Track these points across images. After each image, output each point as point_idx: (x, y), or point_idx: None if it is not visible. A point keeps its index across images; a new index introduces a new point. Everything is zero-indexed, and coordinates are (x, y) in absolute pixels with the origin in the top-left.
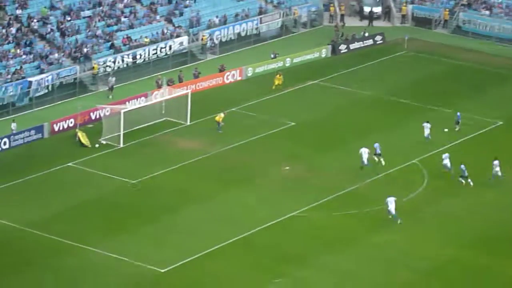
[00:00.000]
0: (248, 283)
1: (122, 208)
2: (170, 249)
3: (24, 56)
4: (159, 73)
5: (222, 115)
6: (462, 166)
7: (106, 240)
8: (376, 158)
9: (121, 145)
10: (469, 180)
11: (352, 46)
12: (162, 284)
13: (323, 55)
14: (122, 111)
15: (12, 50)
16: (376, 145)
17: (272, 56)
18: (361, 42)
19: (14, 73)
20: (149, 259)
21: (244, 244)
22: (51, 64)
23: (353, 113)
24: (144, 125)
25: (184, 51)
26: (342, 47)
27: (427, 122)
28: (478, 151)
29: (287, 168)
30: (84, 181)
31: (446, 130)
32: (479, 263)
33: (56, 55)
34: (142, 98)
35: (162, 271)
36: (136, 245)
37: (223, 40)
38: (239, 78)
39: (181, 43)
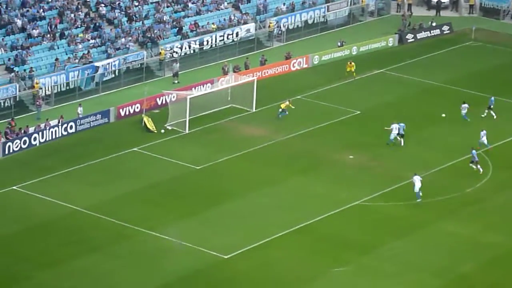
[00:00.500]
0: (310, 270)
1: (186, 194)
2: (233, 236)
3: (91, 41)
4: (225, 60)
5: (287, 103)
6: (473, 151)
7: (170, 225)
8: (398, 138)
9: (187, 131)
10: (479, 166)
11: (419, 36)
12: (225, 270)
13: (390, 44)
14: (188, 97)
15: (80, 35)
16: (402, 125)
17: (338, 44)
18: (428, 32)
19: (81, 58)
20: (212, 245)
21: (307, 231)
22: (118, 49)
23: (418, 103)
24: (209, 112)
25: (251, 38)
26: (409, 37)
27: (464, 103)
28: None
29: (351, 157)
30: (149, 166)
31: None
32: None
33: (123, 40)
34: (208, 84)
35: (225, 257)
36: (199, 231)
37: (290, 27)
38: (305, 66)
39: (248, 30)
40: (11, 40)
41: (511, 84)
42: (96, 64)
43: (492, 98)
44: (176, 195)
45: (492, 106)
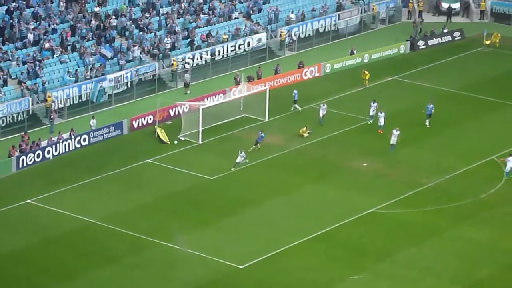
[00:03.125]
0: (327, 278)
1: (200, 204)
2: (248, 245)
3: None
4: (237, 70)
5: (304, 129)
6: None
7: (185, 235)
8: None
9: (200, 142)
10: None
11: (430, 42)
12: (240, 280)
13: (402, 51)
14: (201, 107)
15: (93, 47)
16: (431, 106)
17: (350, 52)
18: (439, 38)
19: (94, 70)
20: (227, 255)
21: (323, 239)
22: (130, 61)
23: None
24: (222, 122)
25: (263, 47)
26: (421, 43)
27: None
28: None
29: (365, 164)
30: (163, 177)
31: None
32: None
33: (136, 52)
34: (221, 94)
35: (241, 267)
36: (214, 241)
37: (301, 36)
38: (317, 75)
39: (259, 40)
40: (23, 53)
41: None
42: (108, 76)
43: (429, 106)
44: (191, 206)
45: (430, 114)
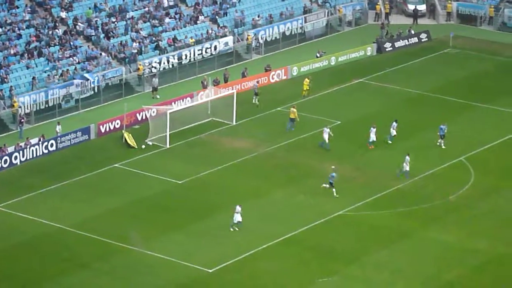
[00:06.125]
0: (297, 281)
1: (169, 209)
2: (218, 249)
3: (70, 58)
4: (204, 74)
5: (293, 109)
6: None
7: (153, 240)
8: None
9: (168, 146)
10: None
11: (397, 44)
12: (210, 284)
13: (369, 54)
14: (168, 111)
15: (59, 52)
16: (443, 127)
17: (317, 55)
18: (406, 40)
19: (61, 75)
20: (196, 259)
21: (293, 242)
22: (96, 66)
23: (399, 111)
24: (190, 126)
25: (230, 51)
26: (387, 45)
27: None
28: None
29: (333, 167)
30: (132, 182)
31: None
32: None
33: (102, 57)
34: (188, 98)
35: (210, 271)
36: (183, 245)
37: (268, 39)
38: (284, 78)
39: (226, 43)
40: None
41: (491, 90)
42: (75, 81)
43: (442, 126)
44: (160, 210)
45: (443, 134)
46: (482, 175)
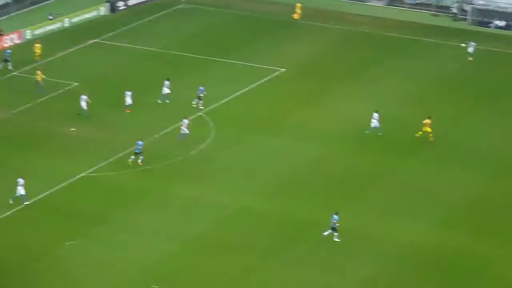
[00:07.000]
0: (41, 246)
1: None
2: None
3: None
4: None
5: (38, 72)
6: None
7: None
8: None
9: None
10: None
11: (130, 3)
12: None
13: (102, 13)
14: None
15: None
16: (201, 89)
17: (50, 17)
18: None
19: None
20: None
21: (36, 208)
22: None
23: (137, 70)
24: None
25: None
26: (120, 4)
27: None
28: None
29: (73, 129)
30: None
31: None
32: (271, 211)
33: None
34: None
35: None
36: None
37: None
38: (18, 42)
39: None
40: None
41: (225, 44)
42: None
43: (201, 87)
44: None
45: (201, 96)
46: (221, 128)
